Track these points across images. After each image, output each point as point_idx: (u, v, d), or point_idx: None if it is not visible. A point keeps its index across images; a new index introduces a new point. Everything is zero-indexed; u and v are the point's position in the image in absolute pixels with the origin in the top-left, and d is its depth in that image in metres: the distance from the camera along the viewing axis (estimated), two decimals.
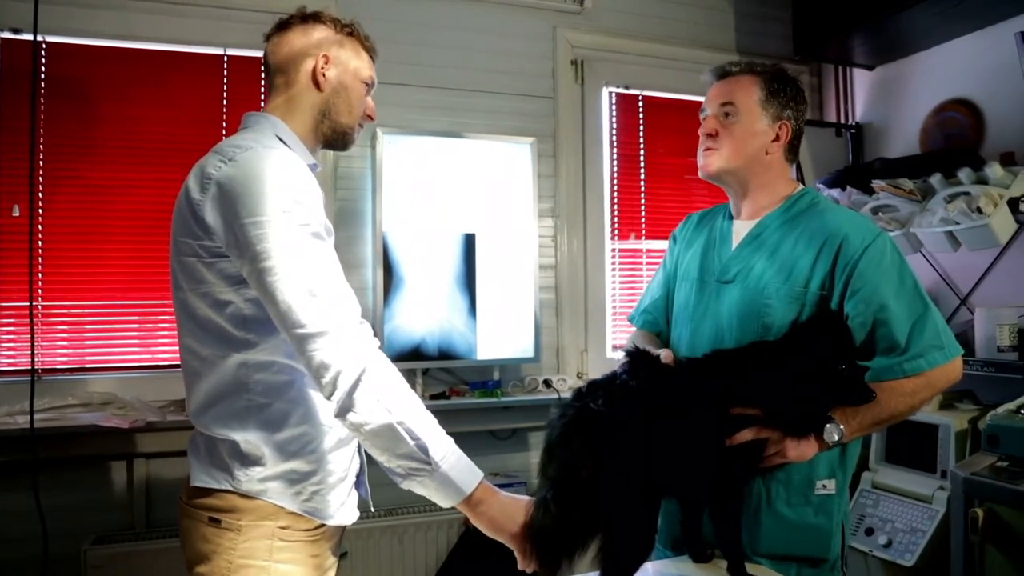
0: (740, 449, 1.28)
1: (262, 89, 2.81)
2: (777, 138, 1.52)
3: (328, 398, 1.16)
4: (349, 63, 1.40)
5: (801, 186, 1.59)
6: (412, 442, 1.15)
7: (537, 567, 1.20)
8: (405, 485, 1.21)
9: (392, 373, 1.20)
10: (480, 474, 1.23)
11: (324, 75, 1.37)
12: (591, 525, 1.18)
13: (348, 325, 1.18)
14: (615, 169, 3.33)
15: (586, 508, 1.16)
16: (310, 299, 1.15)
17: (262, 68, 2.73)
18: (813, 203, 1.53)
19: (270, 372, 1.25)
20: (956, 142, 3.01)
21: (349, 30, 1.41)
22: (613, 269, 3.31)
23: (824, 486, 1.43)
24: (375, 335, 1.22)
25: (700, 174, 1.58)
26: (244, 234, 1.16)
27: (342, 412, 1.15)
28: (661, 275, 1.76)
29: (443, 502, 1.21)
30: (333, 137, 1.42)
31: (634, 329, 1.79)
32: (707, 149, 1.55)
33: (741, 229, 1.57)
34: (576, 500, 1.16)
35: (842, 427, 1.32)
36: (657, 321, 1.73)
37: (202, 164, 1.25)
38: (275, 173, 1.20)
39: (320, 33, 1.38)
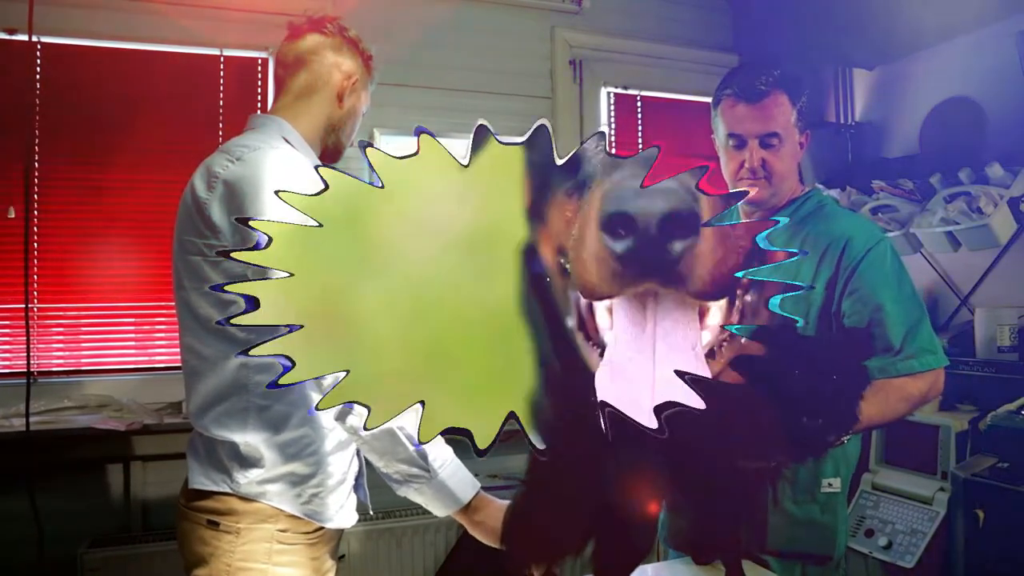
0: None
1: (259, 91, 2.81)
2: (802, 146, 1.50)
3: None
4: (362, 93, 1.44)
5: (806, 188, 1.58)
6: (412, 447, 1.15)
7: (514, 570, 1.17)
8: (402, 492, 1.20)
9: None
10: (478, 484, 1.23)
11: (347, 95, 1.40)
12: (573, 523, 1.16)
13: None
14: None
15: (565, 503, 1.14)
16: None
17: (268, 61, 2.77)
18: (819, 206, 1.52)
19: (271, 373, 1.24)
20: (956, 142, 3.00)
21: (369, 63, 1.46)
22: None
23: (830, 484, 1.44)
24: None
25: (746, 206, 1.52)
26: (251, 233, 1.16)
27: (342, 415, 1.14)
28: None
29: (439, 511, 1.21)
30: (331, 152, 1.44)
31: None
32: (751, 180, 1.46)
33: None
34: (554, 495, 1.14)
35: None
36: None
37: (208, 163, 1.24)
38: (284, 172, 1.19)
39: (354, 57, 1.42)
